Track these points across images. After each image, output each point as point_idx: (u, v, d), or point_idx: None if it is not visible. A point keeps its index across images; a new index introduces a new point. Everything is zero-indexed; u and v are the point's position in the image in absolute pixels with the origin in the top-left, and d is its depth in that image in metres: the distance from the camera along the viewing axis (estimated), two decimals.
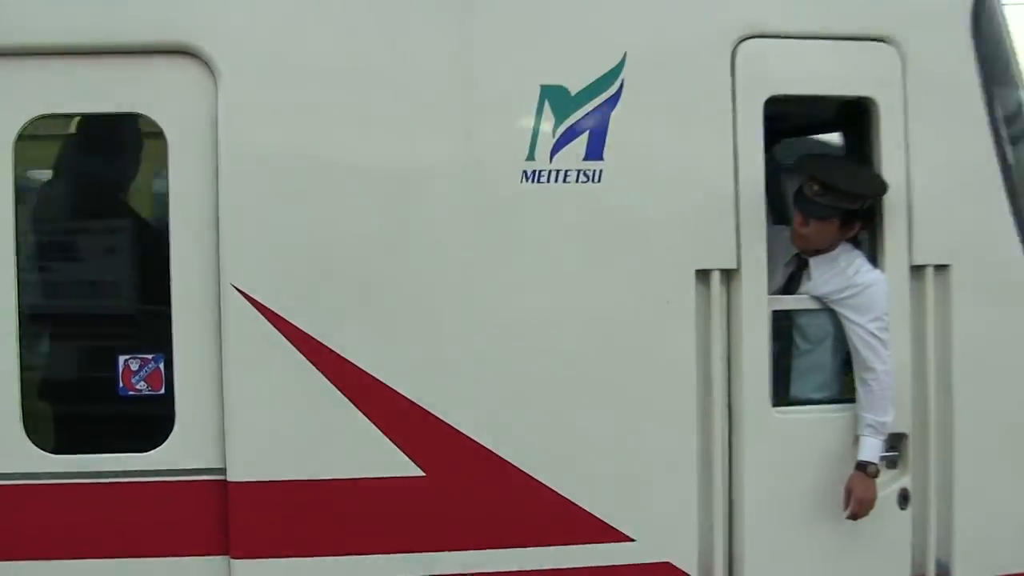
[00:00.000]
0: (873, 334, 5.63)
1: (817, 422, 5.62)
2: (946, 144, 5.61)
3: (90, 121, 5.57)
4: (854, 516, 5.57)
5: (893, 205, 5.60)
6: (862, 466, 5.58)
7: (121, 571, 5.33)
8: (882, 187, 5.63)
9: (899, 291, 5.64)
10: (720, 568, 5.56)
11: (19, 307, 5.34)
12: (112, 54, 5.25)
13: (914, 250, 5.62)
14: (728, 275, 5.57)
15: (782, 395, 5.65)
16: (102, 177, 5.83)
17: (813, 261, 5.76)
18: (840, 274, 5.69)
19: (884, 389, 5.60)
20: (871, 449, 5.58)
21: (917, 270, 5.68)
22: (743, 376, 5.53)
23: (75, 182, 5.81)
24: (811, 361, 5.75)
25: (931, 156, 5.60)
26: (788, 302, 5.72)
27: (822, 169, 5.68)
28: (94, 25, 5.26)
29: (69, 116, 5.57)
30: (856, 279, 5.68)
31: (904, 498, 5.68)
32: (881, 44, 5.60)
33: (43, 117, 5.31)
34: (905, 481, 5.68)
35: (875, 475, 5.58)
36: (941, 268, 5.63)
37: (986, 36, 5.64)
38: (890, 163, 5.62)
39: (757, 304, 5.54)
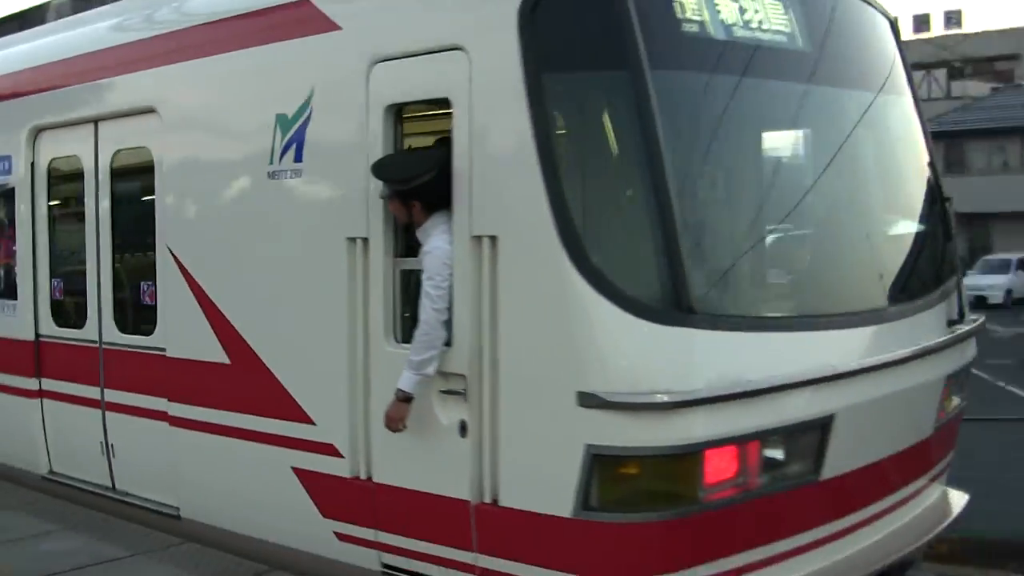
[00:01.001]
0: (426, 291, 6.70)
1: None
2: (498, 133, 6.46)
3: None
4: (387, 427, 6.93)
5: (459, 186, 6.61)
6: (397, 391, 6.82)
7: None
8: (400, 173, 6.90)
9: (463, 257, 6.61)
10: (361, 452, 7.27)
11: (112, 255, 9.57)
12: None
13: (473, 224, 6.54)
14: (366, 242, 7.18)
15: (408, 334, 6.91)
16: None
17: (418, 232, 6.97)
18: (425, 242, 6.88)
19: (423, 335, 6.69)
20: (404, 379, 6.79)
21: (477, 240, 6.53)
22: (371, 319, 7.15)
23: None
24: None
25: (488, 143, 6.51)
26: (408, 263, 7.07)
27: (374, 165, 7.05)
28: None
29: None
30: (426, 246, 6.85)
31: (463, 428, 6.70)
32: (455, 52, 6.65)
33: None
34: (464, 414, 6.68)
35: (404, 399, 6.81)
36: (493, 239, 6.45)
37: (537, 35, 6.30)
38: (459, 150, 6.62)
39: (383, 264, 7.11)
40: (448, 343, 6.72)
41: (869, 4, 8.04)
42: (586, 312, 6.06)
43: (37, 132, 10.25)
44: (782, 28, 6.93)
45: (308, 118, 7.52)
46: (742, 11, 6.69)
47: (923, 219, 8.07)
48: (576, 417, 6.05)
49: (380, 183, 7.03)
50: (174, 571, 8.08)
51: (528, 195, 6.27)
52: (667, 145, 6.08)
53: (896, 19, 8.40)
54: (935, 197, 8.08)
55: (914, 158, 8.22)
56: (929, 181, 8.16)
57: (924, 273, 7.75)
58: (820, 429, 6.46)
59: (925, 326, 7.34)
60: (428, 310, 6.67)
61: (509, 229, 6.43)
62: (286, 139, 7.64)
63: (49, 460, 10.24)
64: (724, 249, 6.60)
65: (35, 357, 10.19)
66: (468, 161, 6.58)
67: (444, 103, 6.82)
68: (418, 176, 6.82)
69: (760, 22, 6.80)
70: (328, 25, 7.50)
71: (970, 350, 8.06)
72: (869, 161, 7.76)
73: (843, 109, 7.51)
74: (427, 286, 6.70)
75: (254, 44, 8.05)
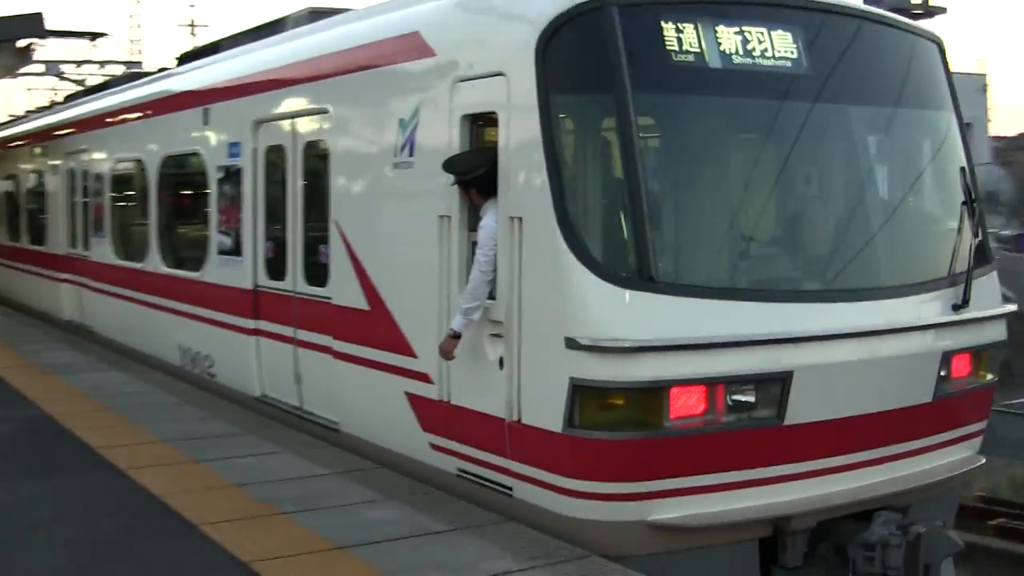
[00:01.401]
0: (476, 258, 8.90)
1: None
2: (521, 139, 8.57)
3: None
4: (441, 357, 9.30)
5: (502, 179, 8.75)
6: (449, 330, 9.14)
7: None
8: (460, 168, 9.15)
9: (504, 233, 8.72)
10: (444, 380, 9.47)
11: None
12: None
13: (508, 207, 8.66)
14: (449, 219, 9.40)
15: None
16: None
17: (480, 211, 9.04)
18: (480, 220, 8.97)
19: (470, 291, 8.91)
20: (455, 321, 9.04)
21: (511, 220, 8.63)
22: (451, 277, 9.37)
23: None
24: None
25: (515, 147, 8.63)
26: (473, 236, 9.16)
27: (444, 161, 9.26)
28: None
29: None
30: (480, 224, 8.95)
31: (501, 363, 8.79)
32: (500, 77, 8.79)
33: None
34: (502, 352, 8.79)
35: (454, 337, 9.06)
36: (520, 220, 8.55)
37: (547, 64, 8.42)
38: (501, 151, 8.76)
39: (459, 236, 9.32)
40: (492, 297, 8.84)
41: (896, 27, 9.82)
42: (573, 278, 8.13)
43: (257, 124, 12.92)
44: (761, 54, 8.75)
45: (416, 123, 9.89)
46: (718, 43, 8.58)
47: (925, 217, 10.03)
48: (564, 357, 8.13)
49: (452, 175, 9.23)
50: (492, 549, 8.11)
51: (537, 188, 8.38)
52: (640, 155, 8.17)
53: (939, 41, 10.14)
54: (949, 197, 9.79)
55: (929, 164, 9.96)
56: (948, 183, 9.85)
57: (918, 262, 9.52)
58: (780, 382, 8.34)
59: (913, 307, 9.05)
60: (476, 272, 8.89)
61: (527, 213, 8.50)
62: (404, 138, 10.04)
63: (260, 384, 12.86)
64: (682, 235, 8.77)
65: (253, 303, 12.93)
66: (506, 160, 8.73)
67: (494, 115, 8.92)
68: (473, 170, 9.05)
69: (736, 50, 8.65)
70: (429, 52, 9.83)
71: (988, 332, 9.67)
72: (860, 166, 9.61)
73: (825, 120, 9.23)
74: (477, 254, 8.90)
75: (385, 64, 10.51)
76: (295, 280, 12.10)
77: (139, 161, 16.81)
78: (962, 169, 9.74)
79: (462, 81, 9.28)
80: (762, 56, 8.76)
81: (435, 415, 9.66)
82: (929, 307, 9.21)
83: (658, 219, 8.40)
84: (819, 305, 8.69)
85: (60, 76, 35.99)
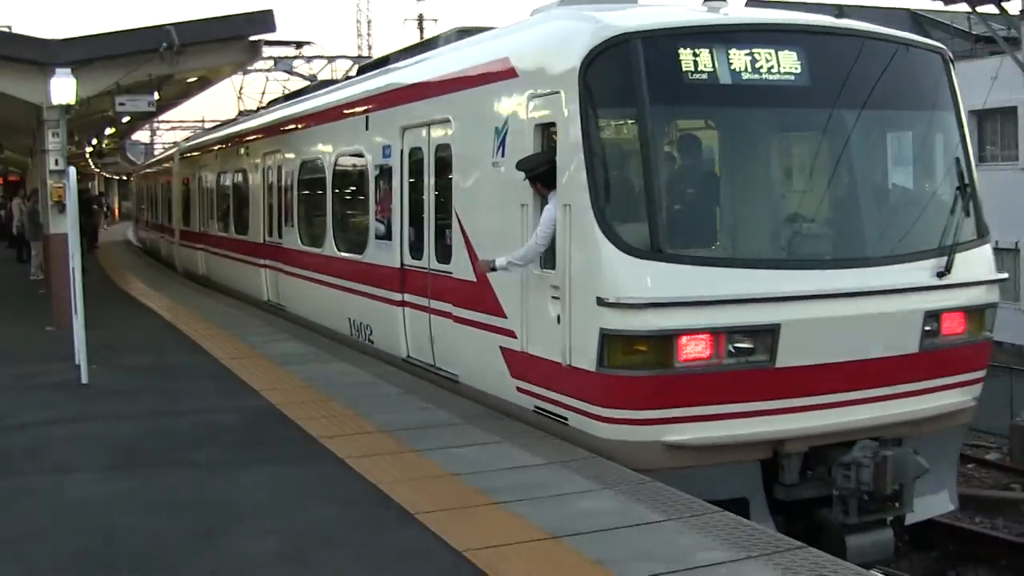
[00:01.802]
0: (536, 233, 11.20)
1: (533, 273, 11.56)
2: (569, 144, 10.79)
3: None
4: (478, 270, 12.36)
5: (559, 175, 10.94)
6: (491, 261, 11.78)
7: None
8: (526, 166, 11.40)
9: (560, 216, 10.85)
10: (524, 335, 11.68)
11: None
12: None
13: (561, 197, 10.87)
14: (527, 207, 11.65)
15: (546, 263, 11.35)
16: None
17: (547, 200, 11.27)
18: (544, 207, 11.25)
19: (522, 256, 11.34)
20: (499, 261, 11.58)
21: (564, 207, 10.82)
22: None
23: None
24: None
25: (566, 150, 10.84)
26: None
27: (517, 162, 11.53)
28: None
29: None
30: (543, 211, 11.20)
31: (559, 319, 10.96)
32: (557, 94, 11.00)
33: None
34: (559, 310, 10.98)
35: (490, 269, 11.81)
36: (569, 206, 10.81)
37: (587, 85, 10.65)
38: (559, 154, 11.01)
39: (533, 221, 11.48)
40: (553, 267, 11.09)
41: (894, 42, 11.82)
42: (602, 252, 10.35)
43: (403, 130, 15.21)
44: (768, 70, 10.92)
45: (506, 130, 12.12)
46: (729, 63, 10.78)
47: (914, 200, 12.16)
48: (596, 312, 10.34)
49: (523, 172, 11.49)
50: (707, 540, 8.08)
51: (579, 182, 10.59)
52: (655, 158, 10.42)
53: (943, 52, 12.07)
54: (942, 184, 11.90)
55: (923, 156, 12.26)
56: (941, 172, 11.98)
57: (905, 237, 11.38)
58: (771, 333, 10.36)
59: (895, 273, 11.01)
60: (533, 243, 11.26)
61: (572, 201, 10.68)
62: (498, 143, 12.26)
63: (407, 348, 15.04)
64: (688, 216, 11.06)
65: (400, 279, 15.13)
66: (560, 160, 10.96)
67: (554, 125, 11.22)
68: (537, 168, 11.32)
69: (744, 68, 10.83)
70: (513, 74, 12.08)
71: (975, 295, 11.58)
72: (851, 159, 11.45)
73: (819, 121, 11.36)
74: (538, 230, 11.21)
75: (485, 83, 12.68)
76: (429, 259, 14.25)
77: (318, 161, 19.33)
78: (957, 159, 11.78)
79: (535, 98, 11.52)
80: (768, 72, 10.92)
81: (518, 363, 11.86)
82: (911, 274, 11.12)
83: (668, 205, 10.61)
84: (802, 271, 10.69)
85: (289, 72, 36.86)
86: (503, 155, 12.14)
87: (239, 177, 26.06)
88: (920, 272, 11.21)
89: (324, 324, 18.75)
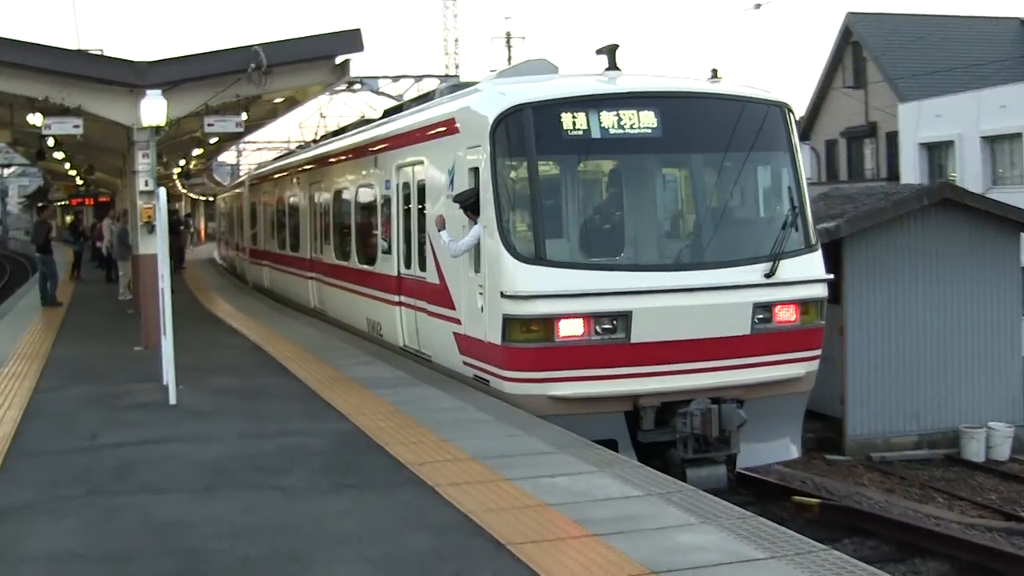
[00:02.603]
0: (464, 240, 15.45)
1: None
2: (483, 184, 15.14)
3: None
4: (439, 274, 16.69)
5: (481, 205, 15.13)
6: (440, 223, 16.40)
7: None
8: (460, 199, 15.53)
9: (483, 235, 14.92)
10: (465, 322, 15.82)
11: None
12: None
13: (482, 220, 14.97)
14: (464, 228, 15.74)
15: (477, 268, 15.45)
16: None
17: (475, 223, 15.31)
18: (472, 229, 15.29)
19: (457, 249, 15.51)
20: (444, 234, 16.05)
21: (483, 227, 14.96)
22: (470, 261, 15.63)
23: None
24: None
25: (484, 188, 15.10)
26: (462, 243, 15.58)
27: (454, 196, 15.86)
28: None
29: None
30: (472, 228, 15.28)
31: (482, 308, 15.16)
32: (480, 146, 15.21)
33: None
34: (482, 302, 15.19)
35: (440, 227, 16.18)
36: (487, 227, 14.98)
37: (494, 141, 14.99)
38: (481, 190, 15.16)
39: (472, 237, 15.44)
40: (478, 271, 15.32)
41: (732, 99, 16.04)
42: (503, 259, 14.62)
43: (398, 167, 19.38)
44: (631, 126, 15.21)
45: (454, 172, 16.43)
46: (599, 122, 15.10)
47: (745, 219, 16.25)
48: (501, 302, 14.53)
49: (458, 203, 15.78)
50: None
51: (489, 210, 14.91)
52: (538, 192, 14.73)
53: (781, 104, 16.28)
54: (773, 206, 16.33)
55: (756, 185, 16.48)
56: (773, 197, 16.42)
57: (738, 248, 15.47)
58: (625, 317, 14.46)
59: (726, 275, 15.01)
60: (457, 245, 15.64)
61: (487, 224, 14.94)
62: (449, 180, 16.58)
63: (403, 338, 18.99)
64: (563, 233, 15.17)
65: (397, 284, 19.16)
66: (481, 194, 15.18)
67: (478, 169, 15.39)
68: (467, 200, 15.48)
69: (611, 125, 15.13)
70: (458, 130, 16.37)
71: (800, 292, 15.48)
72: (694, 189, 15.99)
73: (669, 162, 16.19)
74: (467, 238, 15.44)
75: (442, 136, 17.04)
76: (415, 268, 18.22)
77: (345, 190, 23.76)
78: (788, 188, 16.01)
79: (469, 148, 15.73)
80: (628, 127, 15.20)
81: (463, 343, 15.94)
82: (742, 275, 15.12)
83: (548, 225, 14.86)
84: (649, 272, 14.95)
85: (376, 92, 36.98)
86: (452, 189, 16.36)
87: (292, 203, 30.47)
88: (751, 274, 15.20)
89: (351, 324, 22.78)
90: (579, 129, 15.01)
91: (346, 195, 23.54)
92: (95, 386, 16.70)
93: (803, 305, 15.59)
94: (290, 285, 30.18)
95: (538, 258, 14.50)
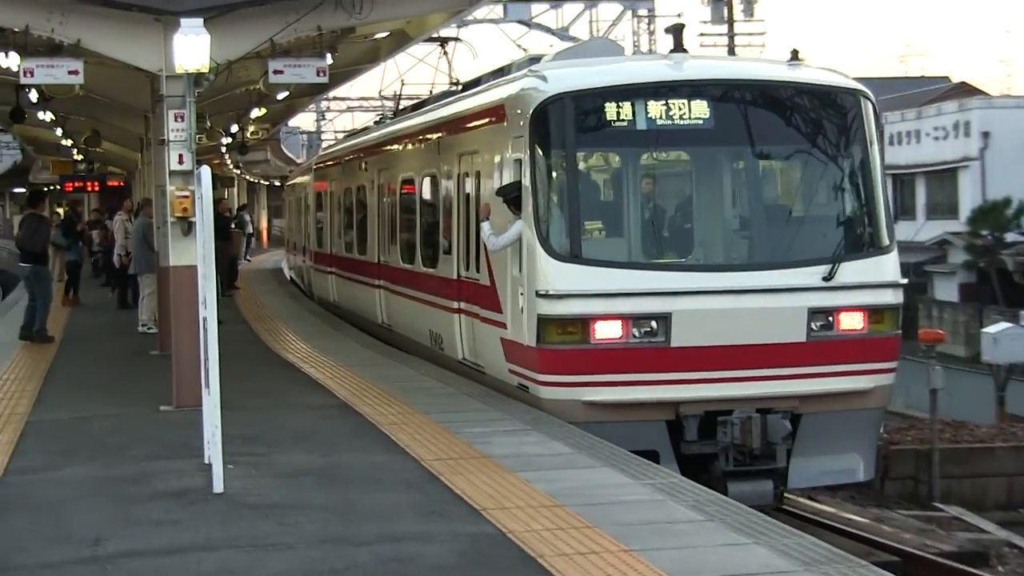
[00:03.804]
0: (507, 234, 20.55)
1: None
2: (525, 176, 20.12)
3: None
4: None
5: (523, 199, 20.20)
6: (485, 225, 21.50)
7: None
8: (503, 193, 20.83)
9: (525, 229, 20.00)
10: (510, 328, 20.82)
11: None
12: None
13: (523, 214, 20.16)
14: (510, 223, 20.92)
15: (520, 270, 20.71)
16: None
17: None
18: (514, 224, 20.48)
19: (499, 244, 20.83)
20: (485, 226, 21.38)
21: (524, 221, 20.12)
22: (515, 259, 20.76)
23: None
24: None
25: (525, 181, 20.19)
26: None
27: (497, 189, 21.27)
28: None
29: None
30: (516, 222, 20.41)
31: (522, 310, 20.12)
32: (524, 137, 20.27)
33: None
34: (523, 303, 20.09)
35: (484, 218, 21.62)
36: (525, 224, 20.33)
37: (532, 130, 19.97)
38: (522, 184, 20.43)
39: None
40: (520, 270, 19.96)
41: (801, 88, 20.72)
42: (540, 258, 19.41)
43: (459, 156, 24.21)
44: (680, 116, 19.60)
45: (503, 162, 21.35)
46: (646, 112, 19.65)
47: (805, 219, 20.61)
48: (536, 301, 19.25)
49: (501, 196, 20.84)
50: None
51: (528, 205, 19.75)
52: (577, 188, 19.76)
53: (856, 91, 20.69)
54: (841, 206, 20.62)
55: (823, 183, 20.77)
56: (841, 196, 20.64)
57: (793, 248, 20.01)
58: (665, 319, 18.99)
59: (778, 277, 19.48)
60: (499, 240, 20.57)
61: (526, 220, 19.73)
62: (499, 171, 21.38)
63: (461, 350, 23.81)
64: (602, 231, 20.38)
65: (457, 289, 24.06)
66: (522, 189, 20.00)
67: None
68: (509, 194, 20.30)
69: (653, 116, 19.59)
70: (505, 118, 21.04)
71: (865, 298, 19.80)
72: (749, 187, 21.07)
73: (721, 157, 20.85)
74: (511, 231, 20.20)
75: (494, 123, 21.86)
76: (473, 270, 23.15)
77: (411, 180, 29.36)
78: (856, 186, 20.43)
79: (514, 138, 20.39)
80: (676, 118, 19.59)
81: (508, 349, 20.75)
82: (795, 278, 19.52)
83: (586, 222, 19.84)
84: (691, 273, 19.68)
85: (528, 23, 37.15)
86: (502, 182, 21.05)
87: (360, 193, 35.86)
88: (808, 276, 19.52)
89: (415, 338, 28.08)
90: (624, 120, 19.71)
91: (413, 186, 29.07)
92: (100, 465, 16.89)
93: (872, 312, 19.90)
94: (357, 296, 35.79)
95: (574, 256, 19.39)
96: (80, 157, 59.38)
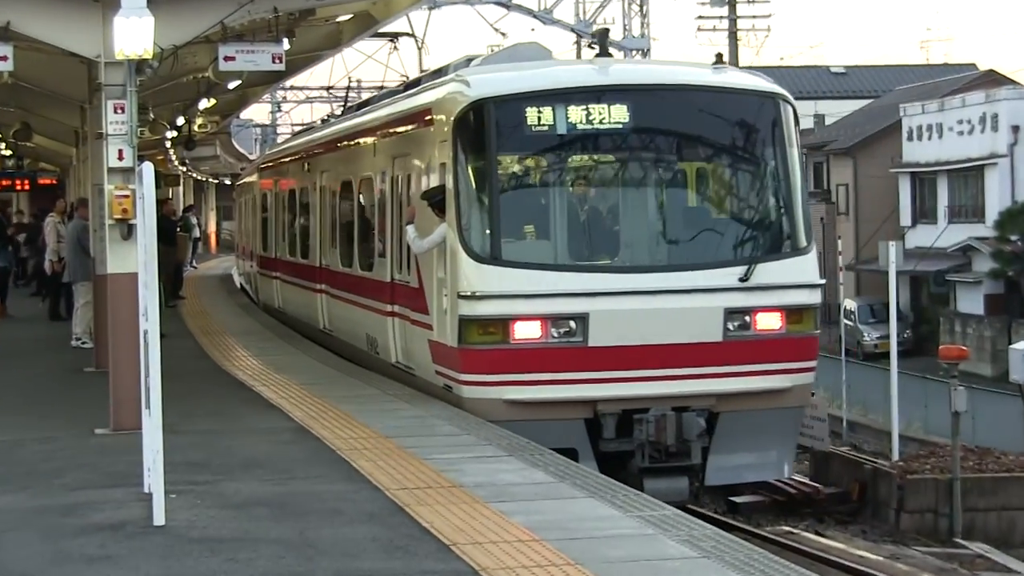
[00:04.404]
0: (432, 236, 23.47)
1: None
2: (448, 180, 23.06)
3: None
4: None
5: (448, 203, 23.12)
6: (409, 228, 25.05)
7: None
8: (427, 196, 23.67)
9: (448, 233, 22.99)
10: (435, 328, 23.72)
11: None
12: None
13: (447, 218, 23.14)
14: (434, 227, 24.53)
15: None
16: None
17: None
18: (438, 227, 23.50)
19: (422, 245, 23.82)
20: (410, 228, 24.66)
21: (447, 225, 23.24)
22: (442, 260, 23.80)
23: None
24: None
25: (449, 185, 23.01)
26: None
27: (422, 192, 24.36)
28: None
29: None
30: (440, 224, 23.40)
31: (445, 311, 23.24)
32: (447, 142, 23.13)
33: None
34: (447, 304, 22.96)
35: (408, 222, 24.99)
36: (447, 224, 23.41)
37: (455, 134, 22.73)
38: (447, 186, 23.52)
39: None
40: (444, 272, 22.80)
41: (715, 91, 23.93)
42: (462, 260, 22.13)
43: (393, 158, 27.36)
44: (600, 121, 22.55)
45: (430, 165, 24.34)
46: (567, 116, 22.45)
47: (716, 219, 23.92)
48: (458, 302, 22.08)
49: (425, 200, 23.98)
50: None
51: (451, 208, 22.59)
52: (497, 191, 22.46)
53: (775, 95, 23.53)
54: (745, 207, 23.91)
55: (731, 186, 24.24)
56: (747, 198, 23.94)
57: (710, 249, 22.94)
58: (582, 320, 21.85)
59: (692, 278, 22.22)
60: (422, 242, 23.60)
61: (449, 222, 22.60)
62: (426, 175, 24.74)
63: (395, 353, 26.61)
64: (521, 235, 22.91)
65: (391, 292, 26.88)
66: (447, 192, 22.90)
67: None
68: (434, 198, 23.12)
69: (573, 121, 22.47)
70: (431, 122, 24.14)
71: (781, 298, 22.47)
72: (657, 189, 23.59)
73: (631, 161, 23.57)
74: (435, 234, 23.13)
75: (422, 126, 25.04)
76: (405, 272, 25.91)
77: (350, 182, 32.85)
78: (775, 188, 23.13)
79: (440, 142, 22.94)
80: (599, 122, 22.38)
81: (434, 350, 23.35)
82: (711, 279, 22.18)
83: (506, 225, 22.21)
84: (607, 274, 22.25)
85: (506, 5, 37.34)
86: (429, 184, 23.77)
87: (303, 194, 39.14)
88: (723, 277, 22.17)
89: (354, 342, 30.96)
90: (544, 124, 22.35)
91: (351, 188, 32.45)
92: (29, 495, 16.92)
93: (790, 312, 22.64)
94: (301, 302, 38.91)
95: (494, 258, 22.00)
96: (8, 152, 59.31)
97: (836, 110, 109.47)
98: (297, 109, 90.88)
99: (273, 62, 22.82)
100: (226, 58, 22.50)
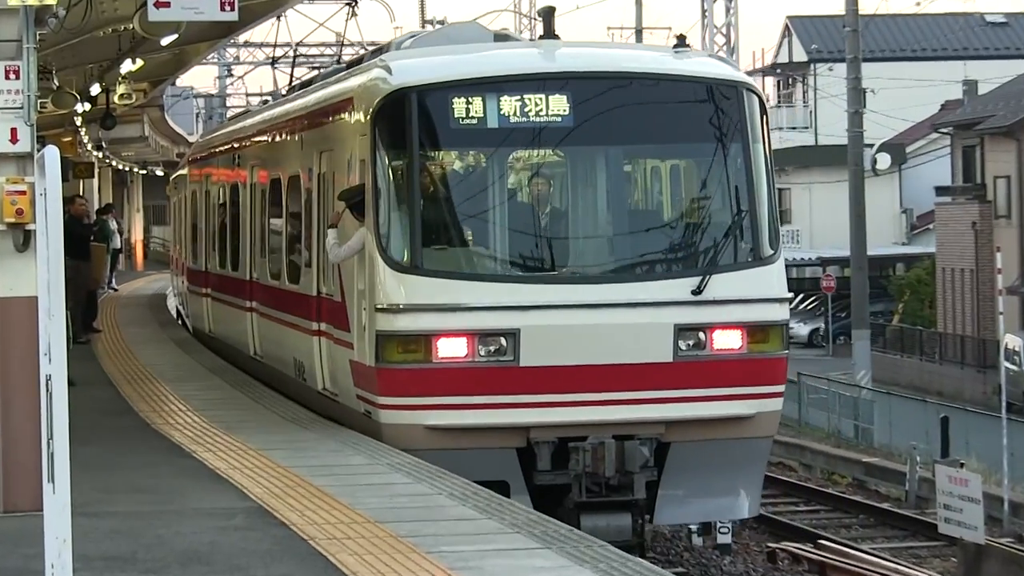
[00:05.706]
0: (350, 243, 28.10)
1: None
2: (367, 180, 27.65)
3: None
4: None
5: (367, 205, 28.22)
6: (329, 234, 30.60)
7: None
8: (345, 197, 28.42)
9: (367, 238, 27.48)
10: (355, 347, 28.09)
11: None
12: None
13: (366, 222, 27.84)
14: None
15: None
16: None
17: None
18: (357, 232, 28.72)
19: (339, 254, 28.58)
20: (331, 233, 29.40)
21: (365, 230, 28.02)
22: (363, 269, 29.03)
23: None
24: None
25: (367, 184, 27.72)
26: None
27: (339, 192, 29.32)
28: None
29: None
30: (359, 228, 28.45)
31: (364, 328, 27.93)
32: (366, 136, 27.50)
33: None
34: (365, 320, 27.62)
35: (330, 226, 29.86)
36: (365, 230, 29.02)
37: (375, 129, 26.90)
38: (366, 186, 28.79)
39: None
40: (364, 284, 27.37)
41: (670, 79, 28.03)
42: (380, 269, 26.33)
43: (320, 153, 31.35)
44: (537, 113, 26.07)
45: (352, 160, 28.65)
46: (499, 108, 26.05)
47: (669, 225, 28.13)
48: (374, 316, 26.47)
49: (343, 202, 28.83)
50: None
51: (370, 212, 26.73)
52: (419, 193, 26.59)
53: (739, 84, 27.79)
54: (702, 211, 27.39)
55: (685, 187, 28.87)
56: (704, 200, 27.41)
57: (652, 258, 26.97)
58: (512, 336, 25.66)
59: (638, 290, 25.95)
60: (340, 250, 27.94)
61: (368, 227, 26.80)
62: (348, 170, 29.32)
63: (321, 379, 30.41)
64: (445, 241, 27.38)
65: (317, 308, 30.69)
66: (365, 192, 27.44)
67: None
68: (352, 199, 27.46)
69: (506, 113, 26.03)
70: (354, 111, 28.35)
71: (744, 314, 26.07)
72: (600, 192, 27.66)
73: (572, 159, 28.05)
74: (353, 240, 27.36)
75: (343, 115, 29.33)
76: (331, 284, 29.36)
77: (279, 179, 36.91)
78: (736, 188, 26.03)
79: (359, 135, 26.93)
80: (535, 114, 25.61)
81: (355, 371, 26.97)
82: (659, 291, 25.40)
83: (429, 230, 26.30)
84: (541, 286, 25.94)
85: None
86: (349, 183, 27.03)
87: (233, 193, 43.63)
88: (674, 289, 24.73)
89: (283, 369, 34.94)
90: (474, 117, 25.50)
91: (280, 186, 36.46)
92: None
93: (753, 330, 25.72)
94: (230, 323, 43.62)
95: (415, 267, 25.45)
96: None
97: (993, 74, 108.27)
98: (255, 73, 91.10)
99: (223, 9, 22.73)
100: (157, 4, 22.39)
